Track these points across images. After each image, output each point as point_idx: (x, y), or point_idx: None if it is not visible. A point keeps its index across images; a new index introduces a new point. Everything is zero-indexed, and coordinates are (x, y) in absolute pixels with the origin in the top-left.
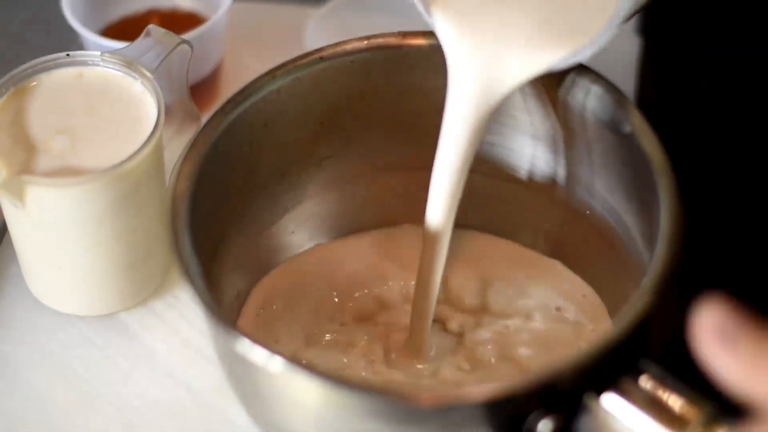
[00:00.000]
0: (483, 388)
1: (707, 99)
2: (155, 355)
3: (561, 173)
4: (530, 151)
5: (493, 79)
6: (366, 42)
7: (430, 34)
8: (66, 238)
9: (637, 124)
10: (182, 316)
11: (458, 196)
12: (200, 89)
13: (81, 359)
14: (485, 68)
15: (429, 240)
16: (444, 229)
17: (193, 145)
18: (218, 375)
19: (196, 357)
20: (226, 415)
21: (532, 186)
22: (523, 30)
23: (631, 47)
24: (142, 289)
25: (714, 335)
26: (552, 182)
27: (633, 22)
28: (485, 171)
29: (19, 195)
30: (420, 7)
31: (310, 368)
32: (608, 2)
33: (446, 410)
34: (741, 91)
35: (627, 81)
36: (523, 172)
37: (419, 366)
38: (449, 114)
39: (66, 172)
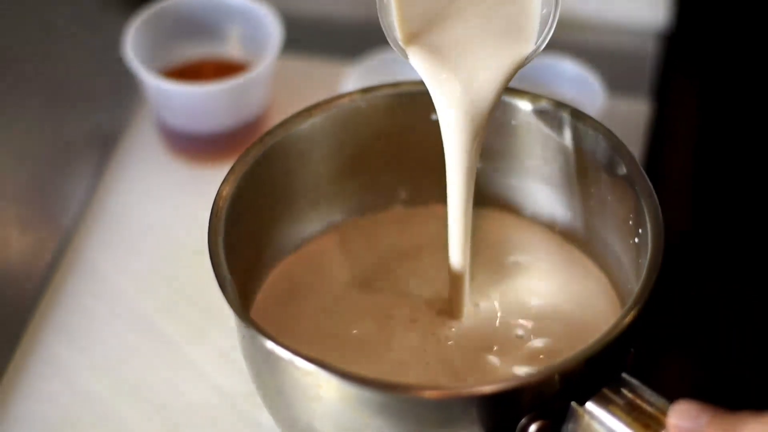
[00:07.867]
0: (480, 387)
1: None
2: (195, 363)
3: (563, 213)
4: (536, 192)
5: (477, 92)
6: (392, 87)
7: None
8: None
9: (630, 167)
10: (219, 328)
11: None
12: (245, 132)
13: (129, 363)
14: (468, 85)
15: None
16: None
17: (231, 170)
18: (249, 383)
19: (230, 366)
20: (254, 419)
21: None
22: (486, 42)
23: (642, 108)
24: None
25: None
26: (553, 221)
27: (646, 85)
28: (496, 205)
29: None
30: (400, 54)
31: (326, 365)
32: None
33: (447, 404)
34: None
35: (636, 141)
36: (527, 212)
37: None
38: (450, 138)
39: None
